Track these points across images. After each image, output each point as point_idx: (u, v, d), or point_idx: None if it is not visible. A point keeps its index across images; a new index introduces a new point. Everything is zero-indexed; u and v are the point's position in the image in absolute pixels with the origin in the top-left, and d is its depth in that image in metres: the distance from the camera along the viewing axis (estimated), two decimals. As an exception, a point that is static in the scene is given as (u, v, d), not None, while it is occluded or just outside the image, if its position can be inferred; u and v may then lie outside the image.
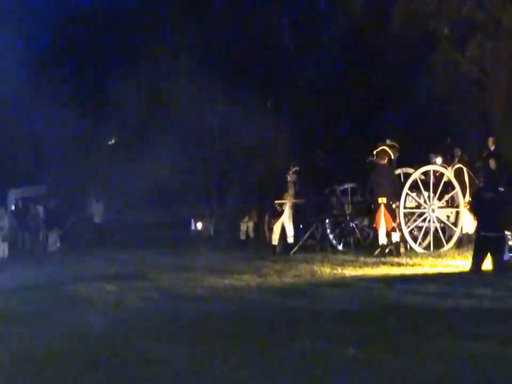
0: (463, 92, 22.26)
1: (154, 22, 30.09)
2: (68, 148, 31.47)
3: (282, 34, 27.02)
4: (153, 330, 7.59)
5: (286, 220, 16.47)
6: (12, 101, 36.11)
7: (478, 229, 12.07)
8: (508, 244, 11.79)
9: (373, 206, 14.95)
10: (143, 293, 10.74)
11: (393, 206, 14.70)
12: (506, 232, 13.49)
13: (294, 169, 16.68)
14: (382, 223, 14.52)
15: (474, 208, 12.95)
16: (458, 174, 15.79)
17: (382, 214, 14.48)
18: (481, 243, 11.52)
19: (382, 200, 14.52)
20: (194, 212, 24.40)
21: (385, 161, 14.85)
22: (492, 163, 17.06)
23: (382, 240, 14.64)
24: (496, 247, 11.36)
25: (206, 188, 25.13)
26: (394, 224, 14.58)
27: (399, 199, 14.86)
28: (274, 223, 16.69)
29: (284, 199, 16.46)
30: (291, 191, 16.57)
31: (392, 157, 15.08)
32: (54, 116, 32.78)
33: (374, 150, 15.22)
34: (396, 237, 14.67)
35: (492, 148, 16.88)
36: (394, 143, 15.92)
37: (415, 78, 22.66)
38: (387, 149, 14.94)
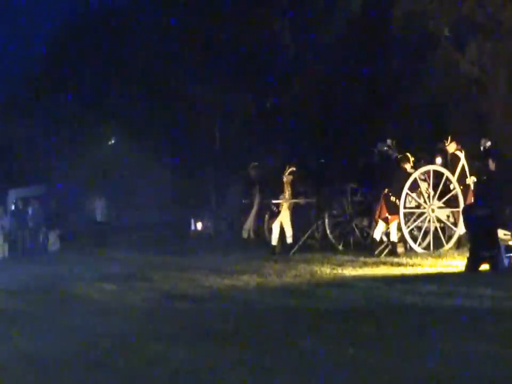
0: (463, 91, 22.25)
1: (152, 23, 30.11)
2: (68, 147, 31.51)
3: (282, 34, 27.02)
4: (153, 330, 7.60)
5: (283, 220, 16.45)
6: (11, 101, 36.18)
7: (472, 248, 11.53)
8: (507, 245, 11.65)
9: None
10: (143, 293, 10.75)
11: (393, 199, 14.73)
12: (506, 232, 13.48)
13: (290, 169, 16.69)
14: (380, 223, 14.69)
15: (466, 225, 12.47)
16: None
17: (381, 203, 14.67)
18: (476, 262, 11.16)
19: (384, 190, 14.73)
20: (194, 212, 24.39)
21: (406, 165, 15.00)
22: (491, 164, 17.04)
23: (377, 235, 14.76)
24: (492, 264, 11.05)
25: (206, 188, 25.15)
26: (388, 216, 14.64)
27: (398, 198, 14.90)
28: (271, 224, 16.70)
29: (281, 200, 16.44)
30: (287, 191, 16.57)
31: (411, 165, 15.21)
32: (53, 116, 32.82)
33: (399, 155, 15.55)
34: (393, 235, 14.69)
35: (485, 148, 16.83)
36: (391, 144, 16.01)
37: (415, 78, 22.65)
38: (409, 155, 15.06)
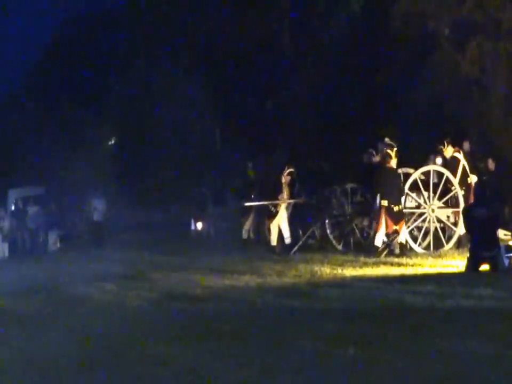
0: (463, 92, 22.23)
1: (153, 23, 30.14)
2: (68, 147, 31.52)
3: (282, 35, 27.03)
4: (153, 330, 7.59)
5: (281, 221, 16.43)
6: (12, 102, 36.22)
7: (472, 248, 11.50)
8: (507, 246, 11.62)
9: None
10: (143, 293, 10.75)
11: (395, 208, 14.56)
12: (506, 232, 13.48)
13: (288, 170, 16.69)
14: (382, 226, 14.48)
15: (466, 226, 12.43)
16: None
17: (383, 217, 14.42)
18: (476, 262, 11.14)
19: (384, 202, 14.48)
20: (194, 211, 24.37)
21: (391, 163, 14.80)
22: (491, 163, 17.06)
23: (378, 242, 14.60)
24: (492, 264, 11.04)
25: (206, 188, 25.13)
26: (396, 227, 14.45)
27: (398, 204, 14.79)
28: (269, 224, 16.70)
29: (279, 200, 16.43)
30: (286, 192, 16.57)
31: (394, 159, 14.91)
32: (54, 116, 32.83)
33: (378, 153, 15.36)
34: (402, 237, 14.59)
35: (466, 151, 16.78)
36: (392, 143, 15.90)
37: (415, 78, 22.65)
38: (390, 152, 14.83)
